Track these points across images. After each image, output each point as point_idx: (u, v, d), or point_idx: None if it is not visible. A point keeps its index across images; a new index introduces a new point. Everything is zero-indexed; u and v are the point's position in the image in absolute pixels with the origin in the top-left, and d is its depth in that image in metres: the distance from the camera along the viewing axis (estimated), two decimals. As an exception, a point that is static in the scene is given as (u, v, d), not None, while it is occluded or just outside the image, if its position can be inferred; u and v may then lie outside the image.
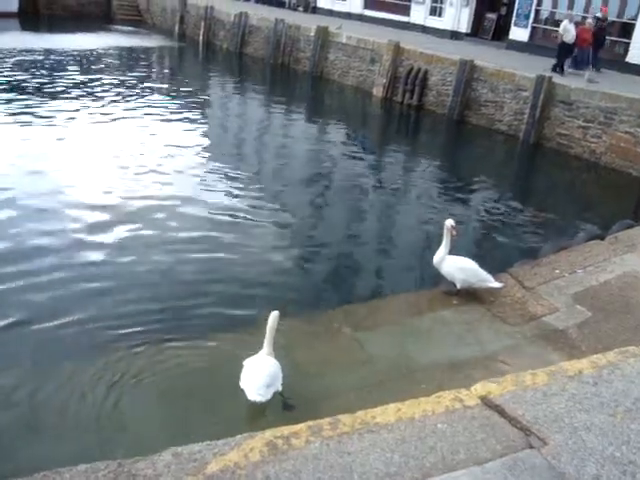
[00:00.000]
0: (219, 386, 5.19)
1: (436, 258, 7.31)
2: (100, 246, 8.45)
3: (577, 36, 19.40)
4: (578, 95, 16.33)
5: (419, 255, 9.32)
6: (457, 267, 7.19)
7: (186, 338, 6.26)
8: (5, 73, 19.51)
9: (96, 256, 8.17)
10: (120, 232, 8.93)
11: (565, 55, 19.54)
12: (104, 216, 9.42)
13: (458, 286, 7.21)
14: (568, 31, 19.27)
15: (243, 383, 5.03)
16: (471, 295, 7.22)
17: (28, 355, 5.91)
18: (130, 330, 6.39)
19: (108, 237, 8.76)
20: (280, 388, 5.12)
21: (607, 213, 12.13)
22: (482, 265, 7.33)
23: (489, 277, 7.18)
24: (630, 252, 8.04)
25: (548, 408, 3.39)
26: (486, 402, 3.45)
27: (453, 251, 7.29)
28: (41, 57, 22.79)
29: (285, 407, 5.16)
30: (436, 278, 7.56)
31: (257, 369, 5.03)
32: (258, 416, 5.07)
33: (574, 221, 11.60)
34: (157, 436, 4.69)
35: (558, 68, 19.20)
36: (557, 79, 17.05)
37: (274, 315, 5.19)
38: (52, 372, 5.61)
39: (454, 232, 7.18)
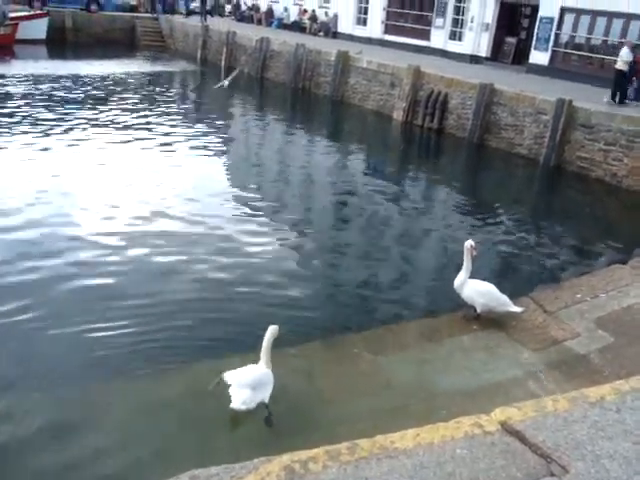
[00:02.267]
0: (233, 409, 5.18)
1: (457, 282, 7.29)
2: (111, 267, 8.54)
3: (635, 64, 18.26)
4: (599, 118, 16.26)
5: (439, 279, 9.28)
6: (477, 291, 7.17)
7: (200, 360, 6.29)
8: (34, 98, 20.00)
9: (110, 279, 8.22)
10: (135, 252, 9.07)
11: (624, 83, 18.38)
12: (116, 238, 9.52)
13: (478, 310, 7.18)
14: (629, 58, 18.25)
15: (230, 390, 5.15)
16: (491, 320, 7.18)
17: (38, 378, 5.94)
18: (149, 352, 6.44)
19: (125, 256, 8.90)
20: (266, 400, 5.16)
21: (629, 237, 11.99)
22: (503, 289, 7.29)
23: (509, 302, 7.15)
24: (653, 277, 7.95)
25: (570, 435, 3.33)
26: (506, 428, 3.41)
27: (474, 274, 7.26)
28: (68, 83, 23.32)
29: (266, 421, 5.20)
30: (456, 302, 7.52)
31: (243, 375, 5.15)
32: (275, 439, 5.05)
33: (596, 245, 11.49)
34: (174, 459, 4.69)
35: (617, 98, 18.17)
36: (577, 103, 16.93)
37: (272, 328, 5.31)
38: (62, 395, 5.65)
39: (474, 252, 7.17)
